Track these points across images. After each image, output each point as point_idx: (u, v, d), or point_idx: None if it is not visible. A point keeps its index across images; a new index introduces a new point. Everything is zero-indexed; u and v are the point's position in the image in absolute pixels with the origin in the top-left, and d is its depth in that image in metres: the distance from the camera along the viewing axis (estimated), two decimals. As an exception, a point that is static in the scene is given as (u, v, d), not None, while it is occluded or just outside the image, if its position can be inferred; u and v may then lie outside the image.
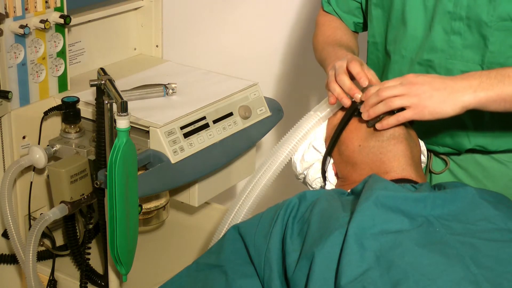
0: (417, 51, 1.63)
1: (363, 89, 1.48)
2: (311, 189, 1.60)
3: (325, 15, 1.86)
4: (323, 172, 1.56)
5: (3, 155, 1.77)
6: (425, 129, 1.64)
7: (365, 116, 1.46)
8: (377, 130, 1.46)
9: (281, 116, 1.98)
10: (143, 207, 1.80)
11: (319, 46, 1.79)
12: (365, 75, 1.47)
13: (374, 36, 1.74)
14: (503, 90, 1.40)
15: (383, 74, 1.73)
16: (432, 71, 1.61)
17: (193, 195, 1.87)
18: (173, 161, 1.68)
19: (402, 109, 1.44)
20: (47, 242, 1.88)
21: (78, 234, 1.82)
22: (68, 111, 1.74)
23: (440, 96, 1.40)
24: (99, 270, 1.84)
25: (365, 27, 1.83)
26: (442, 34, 1.59)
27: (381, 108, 1.43)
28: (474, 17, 1.55)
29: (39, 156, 1.70)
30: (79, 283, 1.78)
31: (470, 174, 1.71)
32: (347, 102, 1.50)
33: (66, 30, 1.83)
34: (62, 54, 1.83)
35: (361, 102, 1.49)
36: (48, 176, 1.77)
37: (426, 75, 1.47)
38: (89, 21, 2.00)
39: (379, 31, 1.72)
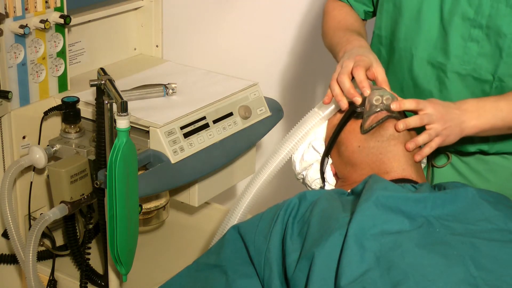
0: (429, 52, 1.63)
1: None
2: (311, 189, 1.60)
3: (335, 1, 1.85)
4: (322, 172, 1.56)
5: (3, 155, 1.77)
6: None
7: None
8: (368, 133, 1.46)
9: (281, 116, 1.98)
10: (143, 207, 1.80)
11: (329, 31, 1.77)
12: (368, 84, 1.48)
13: (380, 29, 1.74)
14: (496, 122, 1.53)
15: (388, 68, 1.71)
16: (443, 74, 1.62)
17: (193, 195, 1.87)
18: (173, 161, 1.68)
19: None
20: (47, 242, 1.88)
21: (78, 234, 1.82)
22: (68, 111, 1.74)
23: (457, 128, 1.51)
24: (99, 270, 1.84)
25: (374, 14, 1.82)
26: (459, 40, 1.59)
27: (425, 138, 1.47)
28: (494, 27, 1.56)
29: (39, 156, 1.70)
30: (79, 283, 1.78)
31: (472, 168, 1.71)
32: (343, 105, 1.50)
33: (66, 30, 1.83)
34: (62, 54, 1.83)
35: (362, 104, 1.49)
36: (48, 176, 1.77)
37: (444, 106, 1.50)
38: (89, 21, 2.00)
39: (386, 25, 1.72)
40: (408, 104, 1.47)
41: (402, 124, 1.45)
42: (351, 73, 1.50)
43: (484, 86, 1.61)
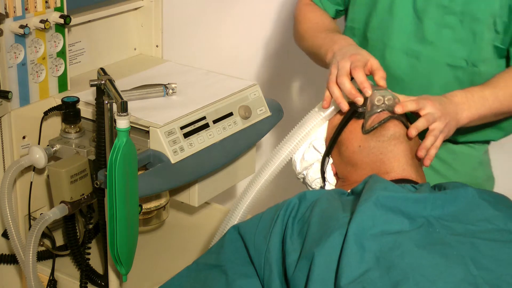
0: (403, 41, 1.66)
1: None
2: (311, 189, 1.60)
3: (306, 5, 1.86)
4: (322, 172, 1.56)
5: (3, 155, 1.77)
6: None
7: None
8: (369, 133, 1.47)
9: (281, 116, 1.98)
10: (143, 207, 1.80)
11: (307, 34, 1.78)
12: (369, 84, 1.48)
13: (353, 21, 1.77)
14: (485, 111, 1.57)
15: None
16: (417, 62, 1.66)
17: (193, 195, 1.87)
18: (173, 161, 1.68)
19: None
20: (47, 242, 1.88)
21: (78, 234, 1.82)
22: (68, 111, 1.74)
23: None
24: (99, 270, 1.84)
25: (344, 13, 1.85)
26: (433, 27, 1.63)
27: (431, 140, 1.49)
28: (468, 13, 1.60)
29: (39, 156, 1.70)
30: (79, 283, 1.77)
31: (440, 158, 1.75)
32: (344, 107, 1.50)
33: (66, 30, 1.83)
34: (62, 54, 1.83)
35: (364, 104, 1.49)
36: (48, 176, 1.77)
37: (441, 101, 1.51)
38: (89, 21, 2.00)
39: (360, 17, 1.74)
40: (410, 105, 1.47)
41: (414, 129, 1.45)
42: (350, 74, 1.50)
43: (458, 72, 1.65)
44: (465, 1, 1.60)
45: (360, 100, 1.47)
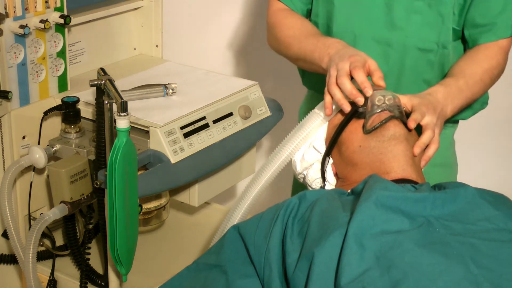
0: (373, 29, 1.70)
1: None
2: (311, 189, 1.60)
3: (280, 11, 1.84)
4: (322, 172, 1.56)
5: (3, 155, 1.77)
6: None
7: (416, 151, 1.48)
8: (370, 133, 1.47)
9: (281, 116, 1.98)
10: (143, 207, 1.80)
11: (293, 40, 1.77)
12: (369, 84, 1.48)
13: (317, 16, 1.79)
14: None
15: None
16: (390, 49, 1.71)
17: (193, 195, 1.87)
18: (173, 161, 1.68)
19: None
20: (47, 242, 1.88)
21: (78, 234, 1.82)
22: (68, 111, 1.74)
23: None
24: (99, 270, 1.84)
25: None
26: (403, 13, 1.68)
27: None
28: None
29: (39, 156, 1.70)
30: (79, 283, 1.77)
31: None
32: (346, 108, 1.50)
33: (66, 30, 1.83)
34: (62, 54, 1.83)
35: (364, 104, 1.49)
36: (48, 176, 1.77)
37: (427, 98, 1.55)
38: (89, 21, 2.00)
39: (323, 11, 1.77)
40: (418, 117, 1.49)
41: (419, 148, 1.47)
42: (350, 75, 1.51)
43: (429, 56, 1.71)
44: None
45: (361, 100, 1.47)
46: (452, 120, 1.84)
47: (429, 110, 1.52)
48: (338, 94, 1.50)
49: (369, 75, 1.52)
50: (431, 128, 1.50)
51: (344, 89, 1.49)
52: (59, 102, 1.75)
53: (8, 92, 1.68)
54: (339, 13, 1.74)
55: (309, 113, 1.59)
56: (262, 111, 1.93)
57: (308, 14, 1.88)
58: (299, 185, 2.05)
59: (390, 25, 1.70)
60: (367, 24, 1.71)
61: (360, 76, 1.48)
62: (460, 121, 1.91)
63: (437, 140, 1.52)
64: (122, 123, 1.47)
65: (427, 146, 1.51)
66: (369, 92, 1.47)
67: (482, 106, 1.87)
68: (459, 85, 1.63)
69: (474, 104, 1.81)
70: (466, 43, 1.77)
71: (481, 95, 1.72)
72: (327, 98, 1.52)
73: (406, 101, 1.52)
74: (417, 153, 1.47)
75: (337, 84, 1.50)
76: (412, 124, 1.48)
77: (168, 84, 1.85)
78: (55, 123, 1.80)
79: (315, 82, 1.89)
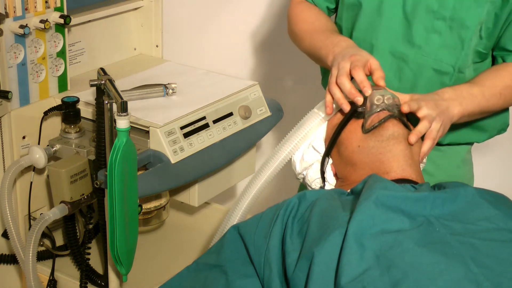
0: (391, 43, 1.67)
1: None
2: (311, 189, 1.60)
3: (299, 4, 1.84)
4: (322, 172, 1.56)
5: (3, 155, 1.77)
6: None
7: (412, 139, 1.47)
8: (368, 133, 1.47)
9: (281, 116, 1.98)
10: (143, 207, 1.80)
11: (306, 35, 1.77)
12: (369, 84, 1.48)
13: (341, 19, 1.77)
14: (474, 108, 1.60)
15: None
16: (404, 64, 1.67)
17: (193, 195, 1.87)
18: (173, 161, 1.68)
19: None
20: (47, 242, 1.88)
21: (78, 234, 1.82)
22: (68, 111, 1.74)
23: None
24: (99, 270, 1.84)
25: (336, 11, 1.85)
26: (422, 31, 1.64)
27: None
28: (457, 19, 1.61)
29: (39, 156, 1.70)
30: (79, 283, 1.78)
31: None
32: (346, 108, 1.50)
33: (66, 30, 1.83)
34: (62, 54, 1.83)
35: (363, 104, 1.49)
36: (48, 176, 1.77)
37: (433, 98, 1.53)
38: (89, 21, 2.00)
39: (348, 16, 1.75)
40: (413, 105, 1.48)
41: (415, 136, 1.46)
42: (350, 74, 1.50)
43: (444, 78, 1.67)
44: (455, 8, 1.61)
45: (360, 100, 1.47)
46: (464, 142, 1.80)
47: (429, 104, 1.50)
48: (337, 94, 1.50)
49: (370, 74, 1.52)
50: (428, 119, 1.48)
51: (344, 88, 1.49)
52: (59, 102, 1.75)
53: (8, 92, 1.68)
54: (361, 20, 1.71)
55: (308, 112, 1.60)
56: (262, 111, 1.93)
57: (329, 13, 1.86)
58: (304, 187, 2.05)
59: (407, 41, 1.66)
60: (385, 36, 1.68)
61: (360, 76, 1.48)
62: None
63: (433, 137, 1.50)
64: (122, 123, 1.47)
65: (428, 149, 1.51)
66: (368, 91, 1.47)
67: (500, 132, 1.82)
68: (472, 91, 1.60)
69: (491, 128, 1.78)
70: (494, 59, 1.73)
71: (499, 109, 1.68)
72: (328, 97, 1.53)
73: (407, 98, 1.52)
74: (413, 141, 1.46)
75: (337, 84, 1.50)
76: (405, 108, 1.46)
77: (168, 84, 1.85)
78: (55, 123, 1.80)
79: None
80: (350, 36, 1.74)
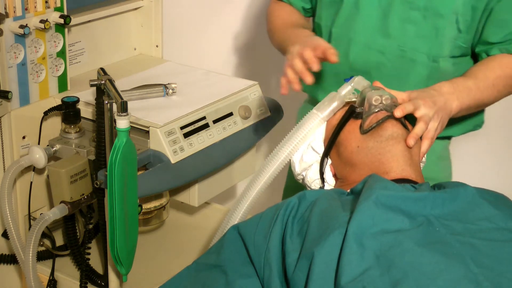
0: (368, 36, 1.71)
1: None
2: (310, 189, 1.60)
3: (276, 3, 1.93)
4: (321, 173, 1.56)
5: (3, 155, 1.77)
6: None
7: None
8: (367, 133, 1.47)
9: (281, 116, 1.98)
10: (143, 207, 1.80)
11: (276, 30, 1.85)
12: (315, 61, 1.51)
13: (320, 18, 1.82)
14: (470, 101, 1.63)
15: None
16: (381, 56, 1.71)
17: (193, 195, 1.87)
18: (173, 161, 1.68)
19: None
20: (47, 242, 1.88)
21: (78, 234, 1.82)
22: (68, 111, 1.74)
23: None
24: (99, 270, 1.84)
25: (313, 12, 1.89)
26: (397, 22, 1.68)
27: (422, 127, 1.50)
28: (432, 8, 1.66)
29: (39, 156, 1.70)
30: (79, 283, 1.78)
31: None
32: (297, 87, 1.55)
33: (66, 30, 1.83)
34: (62, 54, 1.83)
35: (362, 104, 1.49)
36: (48, 176, 1.77)
37: (432, 95, 1.54)
38: (89, 21, 2.00)
39: (327, 14, 1.79)
40: (408, 107, 1.48)
41: (413, 139, 1.46)
42: (307, 58, 1.53)
43: (419, 68, 1.71)
44: None
45: (308, 80, 1.51)
46: (441, 136, 1.82)
47: (427, 103, 1.51)
48: (290, 74, 1.55)
49: (324, 57, 1.54)
50: (425, 121, 1.49)
51: (296, 69, 1.54)
52: (59, 102, 1.75)
53: (8, 92, 1.68)
54: (340, 16, 1.75)
55: (307, 113, 1.60)
56: (262, 111, 1.93)
57: (306, 13, 1.89)
58: (290, 188, 2.06)
59: (383, 33, 1.70)
60: (362, 30, 1.72)
61: (307, 54, 1.52)
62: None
63: (431, 137, 1.51)
64: (122, 123, 1.47)
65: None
66: (315, 67, 1.50)
67: (475, 128, 1.86)
68: (467, 84, 1.62)
69: (466, 122, 1.81)
70: (477, 56, 1.75)
71: (493, 100, 1.70)
72: (283, 79, 1.57)
73: (404, 97, 1.52)
74: (411, 144, 1.46)
75: (290, 66, 1.55)
76: (398, 112, 1.47)
77: (168, 84, 1.85)
78: (55, 123, 1.80)
79: (312, 86, 1.89)
80: (329, 33, 1.77)
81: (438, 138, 1.80)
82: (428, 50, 1.69)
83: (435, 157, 1.84)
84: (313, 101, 1.89)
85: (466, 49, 1.72)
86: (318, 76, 1.80)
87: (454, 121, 1.78)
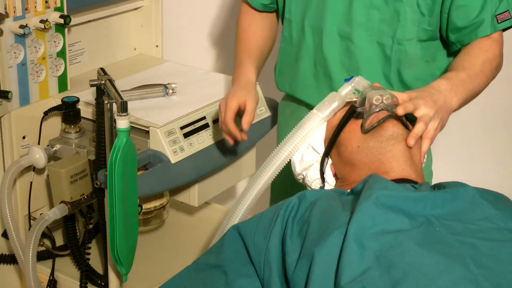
0: (337, 25, 1.75)
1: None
2: (310, 189, 1.59)
3: (242, 5, 1.96)
4: (321, 173, 1.56)
5: (3, 155, 1.77)
6: None
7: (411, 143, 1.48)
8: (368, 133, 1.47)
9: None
10: (143, 207, 1.80)
11: (236, 41, 1.94)
12: (238, 132, 1.67)
13: (290, 13, 1.84)
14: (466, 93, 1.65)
15: (300, 49, 1.82)
16: (350, 43, 1.75)
17: (193, 195, 1.87)
18: (173, 161, 1.68)
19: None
20: (47, 242, 1.88)
21: (78, 234, 1.82)
22: (68, 111, 1.74)
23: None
24: (99, 270, 1.84)
25: (272, 7, 1.92)
26: (362, 8, 1.73)
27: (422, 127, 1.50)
28: None
29: (39, 156, 1.70)
30: (79, 283, 1.78)
31: None
32: (230, 141, 1.71)
33: (66, 30, 1.83)
34: (62, 54, 1.83)
35: (362, 104, 1.49)
36: (48, 176, 1.77)
37: (432, 96, 1.54)
38: (89, 21, 2.00)
39: (296, 9, 1.82)
40: (409, 107, 1.48)
41: (413, 138, 1.46)
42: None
43: (386, 50, 1.75)
44: None
45: (244, 138, 1.68)
46: None
47: (427, 103, 1.51)
48: (225, 136, 1.71)
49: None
50: (425, 120, 1.49)
51: (229, 128, 1.67)
52: (59, 102, 1.75)
53: (8, 92, 1.68)
54: (310, 9, 1.79)
55: (308, 113, 1.60)
56: (262, 111, 1.93)
57: (265, 8, 1.90)
58: (276, 190, 2.05)
59: (350, 20, 1.74)
60: (331, 19, 1.76)
61: (230, 127, 1.67)
62: (459, 121, 1.91)
63: (431, 136, 1.51)
64: (122, 123, 1.47)
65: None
66: (231, 142, 1.71)
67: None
68: (461, 77, 1.64)
69: None
70: (451, 45, 1.78)
71: (483, 87, 1.72)
72: (224, 135, 1.71)
73: (404, 97, 1.52)
74: (411, 144, 1.46)
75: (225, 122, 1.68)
76: (400, 110, 1.47)
77: (168, 84, 1.85)
78: (55, 123, 1.80)
79: (285, 83, 1.91)
80: (302, 27, 1.80)
81: None
82: (393, 33, 1.73)
83: (428, 158, 1.85)
84: (292, 99, 1.90)
85: (432, 32, 1.75)
86: (295, 72, 1.84)
87: None
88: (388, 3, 1.71)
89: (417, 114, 1.49)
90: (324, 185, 1.57)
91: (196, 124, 1.76)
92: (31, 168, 1.77)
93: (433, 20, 1.73)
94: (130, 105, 1.50)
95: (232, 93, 1.72)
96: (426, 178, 1.92)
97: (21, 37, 1.71)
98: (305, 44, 1.80)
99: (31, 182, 1.79)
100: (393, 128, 1.46)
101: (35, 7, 1.73)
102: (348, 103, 1.53)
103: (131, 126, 1.50)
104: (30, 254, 1.66)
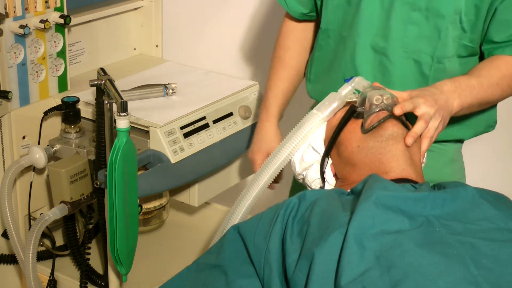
0: (371, 38, 1.70)
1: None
2: (311, 189, 1.59)
3: (285, 18, 1.91)
4: (322, 173, 1.56)
5: (3, 155, 1.77)
6: None
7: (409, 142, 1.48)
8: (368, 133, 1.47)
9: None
10: (143, 207, 1.80)
11: (273, 61, 1.88)
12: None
13: (327, 23, 1.79)
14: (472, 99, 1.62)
15: (335, 60, 1.77)
16: (385, 58, 1.69)
17: (193, 195, 1.87)
18: (173, 161, 1.68)
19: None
20: (47, 242, 1.88)
21: (78, 234, 1.82)
22: (68, 111, 1.74)
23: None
24: (99, 270, 1.84)
25: (313, 17, 1.87)
26: (400, 24, 1.66)
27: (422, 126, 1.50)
28: (433, 9, 1.64)
29: (39, 156, 1.70)
30: (79, 283, 1.78)
31: None
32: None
33: (66, 30, 1.83)
34: (62, 54, 1.83)
35: (362, 104, 1.49)
36: (48, 176, 1.77)
37: (433, 94, 1.53)
38: (89, 21, 2.00)
39: (333, 18, 1.77)
40: (408, 106, 1.48)
41: (411, 138, 1.46)
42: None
43: (424, 68, 1.69)
44: None
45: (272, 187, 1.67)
46: (453, 139, 1.80)
47: (427, 102, 1.50)
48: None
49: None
50: (425, 119, 1.48)
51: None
52: (59, 102, 1.75)
53: (8, 92, 1.68)
54: (346, 19, 1.74)
55: (307, 113, 1.60)
56: (262, 112, 1.92)
57: (304, 16, 1.87)
58: (298, 186, 2.05)
59: (386, 35, 1.69)
60: (365, 33, 1.70)
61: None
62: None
63: (431, 136, 1.50)
64: (122, 123, 1.47)
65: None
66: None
67: (487, 129, 1.83)
68: (470, 82, 1.61)
69: (477, 124, 1.79)
70: (482, 56, 1.74)
71: (497, 99, 1.69)
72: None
73: (405, 96, 1.52)
74: (409, 143, 1.46)
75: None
76: (397, 110, 1.46)
77: (168, 84, 1.85)
78: (55, 123, 1.80)
79: (318, 90, 1.88)
80: (340, 37, 1.75)
81: (450, 141, 1.80)
82: (432, 51, 1.67)
83: (446, 159, 1.81)
84: None
85: (473, 48, 1.70)
86: (327, 81, 1.79)
87: (465, 123, 1.77)
88: (428, 19, 1.65)
89: (418, 112, 1.49)
90: (324, 185, 1.57)
91: (196, 124, 1.76)
92: (31, 168, 1.77)
93: (475, 36, 1.67)
94: (130, 105, 1.50)
95: (258, 146, 1.75)
96: (460, 177, 1.90)
97: (21, 37, 1.71)
98: (339, 55, 1.75)
99: (31, 182, 1.79)
100: (393, 128, 1.46)
101: (35, 7, 1.73)
102: (348, 103, 1.53)
103: (131, 126, 1.50)
104: (30, 254, 1.66)
